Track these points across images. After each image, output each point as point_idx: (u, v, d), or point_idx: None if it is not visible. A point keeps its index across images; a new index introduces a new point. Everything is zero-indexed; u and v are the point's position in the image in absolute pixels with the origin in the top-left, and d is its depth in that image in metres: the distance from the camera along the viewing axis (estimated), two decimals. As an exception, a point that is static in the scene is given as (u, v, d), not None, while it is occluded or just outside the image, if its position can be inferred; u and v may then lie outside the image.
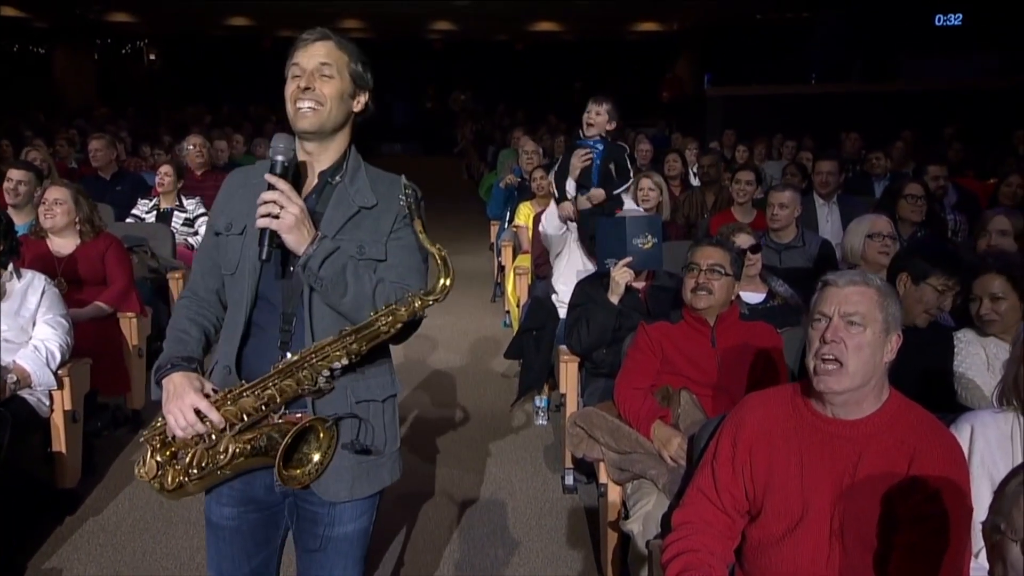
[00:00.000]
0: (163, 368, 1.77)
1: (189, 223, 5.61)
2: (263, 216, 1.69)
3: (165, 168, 5.64)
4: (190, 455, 1.69)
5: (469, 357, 5.56)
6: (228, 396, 1.73)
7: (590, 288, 3.55)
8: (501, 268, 6.47)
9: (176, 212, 5.60)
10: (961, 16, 13.82)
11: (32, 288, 3.38)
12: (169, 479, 1.70)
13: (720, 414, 2.29)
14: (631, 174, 4.13)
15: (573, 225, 4.14)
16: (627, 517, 2.64)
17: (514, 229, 5.97)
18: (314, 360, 1.72)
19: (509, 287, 5.73)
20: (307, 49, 1.79)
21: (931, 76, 12.73)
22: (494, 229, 7.31)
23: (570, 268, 4.17)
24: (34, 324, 3.36)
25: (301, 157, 1.83)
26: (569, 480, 3.70)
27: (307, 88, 1.76)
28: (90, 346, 3.73)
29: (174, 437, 1.72)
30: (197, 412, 1.69)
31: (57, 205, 4.08)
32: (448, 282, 1.75)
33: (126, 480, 3.69)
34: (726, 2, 15.45)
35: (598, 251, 3.65)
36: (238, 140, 9.22)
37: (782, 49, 15.86)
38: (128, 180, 6.49)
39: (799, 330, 3.14)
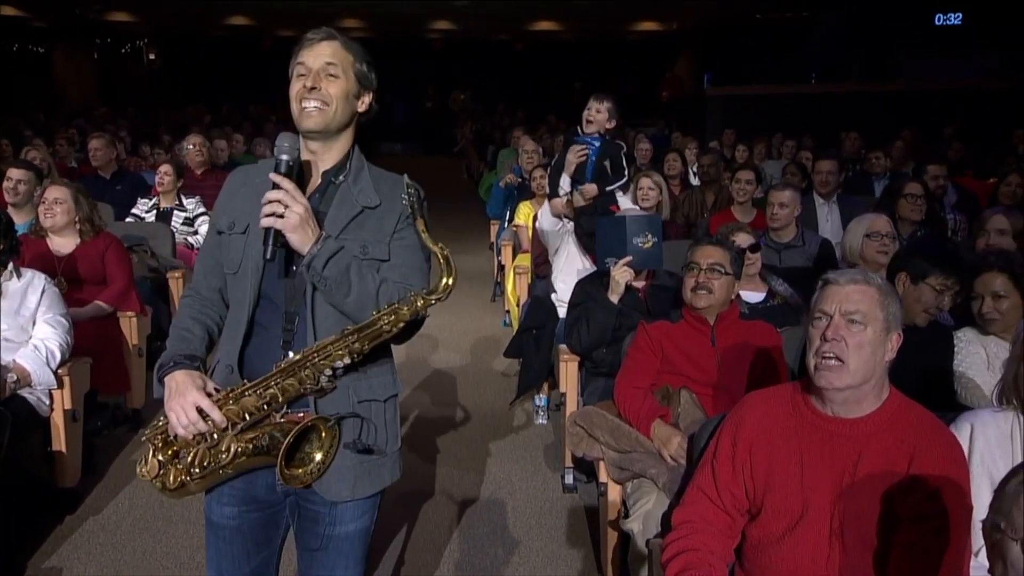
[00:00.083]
0: (165, 366, 1.77)
1: (189, 222, 5.61)
2: (268, 215, 1.69)
3: (165, 167, 5.64)
4: (192, 454, 1.69)
5: (469, 356, 5.56)
6: (230, 395, 1.73)
7: (590, 287, 3.55)
8: (501, 267, 6.48)
9: (176, 211, 5.60)
10: (961, 16, 13.82)
11: (32, 287, 3.38)
12: (171, 478, 1.70)
13: (720, 413, 2.29)
14: (626, 172, 4.14)
15: (570, 222, 4.15)
16: (627, 516, 2.64)
17: (514, 228, 5.98)
18: (316, 359, 1.72)
19: (509, 286, 5.73)
20: (313, 49, 1.79)
21: (931, 76, 12.74)
22: (494, 228, 7.32)
23: (569, 266, 4.18)
24: (34, 323, 3.37)
25: (305, 156, 1.83)
26: (569, 479, 3.70)
27: (313, 88, 1.76)
28: (90, 345, 3.73)
29: (176, 436, 1.72)
30: (199, 411, 1.69)
31: (57, 204, 4.08)
32: (451, 281, 1.75)
33: (126, 479, 3.69)
34: (726, 2, 15.44)
35: (598, 250, 3.66)
36: (238, 140, 9.23)
37: (782, 49, 15.86)
38: (128, 179, 6.50)
39: (799, 329, 3.15)
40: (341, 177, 1.83)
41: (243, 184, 1.87)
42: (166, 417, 1.73)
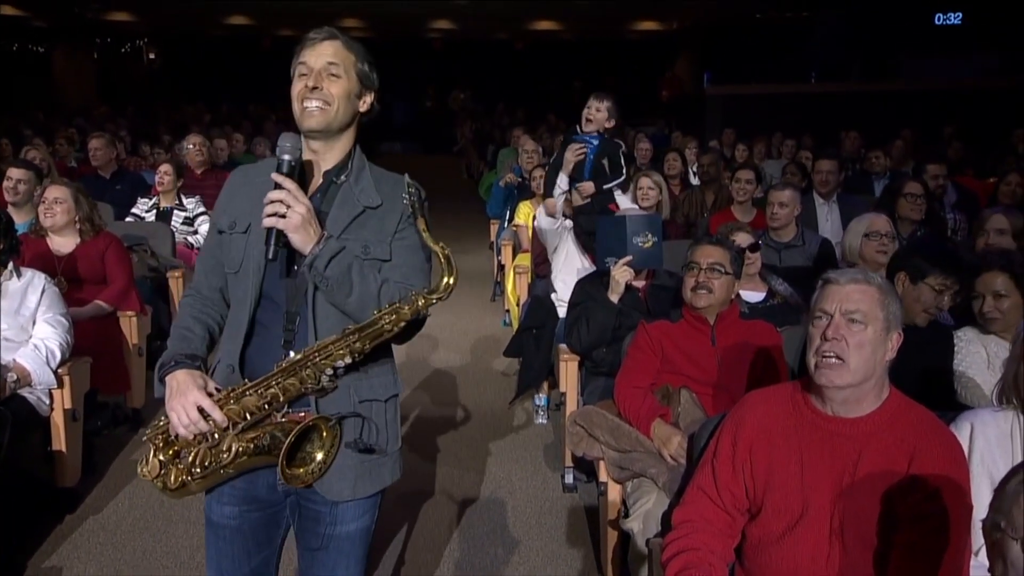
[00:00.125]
0: (166, 365, 1.77)
1: (189, 222, 5.61)
2: (270, 215, 1.69)
3: (165, 167, 5.64)
4: (193, 454, 1.70)
5: (469, 356, 5.56)
6: (231, 394, 1.73)
7: (590, 287, 3.55)
8: (501, 267, 6.48)
9: (176, 211, 5.60)
10: (961, 15, 13.84)
11: (32, 287, 3.38)
12: (172, 478, 1.70)
13: (720, 413, 2.29)
14: (624, 171, 4.14)
15: (568, 220, 4.15)
16: (627, 516, 2.64)
17: (514, 228, 5.98)
18: (317, 359, 1.72)
19: (509, 286, 5.73)
20: (315, 48, 1.79)
21: (931, 75, 12.75)
22: (494, 228, 7.31)
23: (569, 265, 4.18)
24: (34, 323, 3.37)
25: (306, 156, 1.83)
26: (569, 479, 3.70)
27: (315, 87, 1.76)
28: (90, 345, 3.73)
29: (177, 436, 1.72)
30: (200, 410, 1.69)
31: (57, 204, 4.08)
32: (452, 280, 1.75)
33: (126, 479, 3.69)
34: (726, 2, 15.44)
35: (598, 250, 3.66)
36: (238, 139, 9.23)
37: (782, 48, 15.86)
38: (128, 179, 6.50)
39: (799, 329, 3.15)
40: (343, 177, 1.83)
41: (244, 183, 1.88)
42: (167, 417, 1.73)
